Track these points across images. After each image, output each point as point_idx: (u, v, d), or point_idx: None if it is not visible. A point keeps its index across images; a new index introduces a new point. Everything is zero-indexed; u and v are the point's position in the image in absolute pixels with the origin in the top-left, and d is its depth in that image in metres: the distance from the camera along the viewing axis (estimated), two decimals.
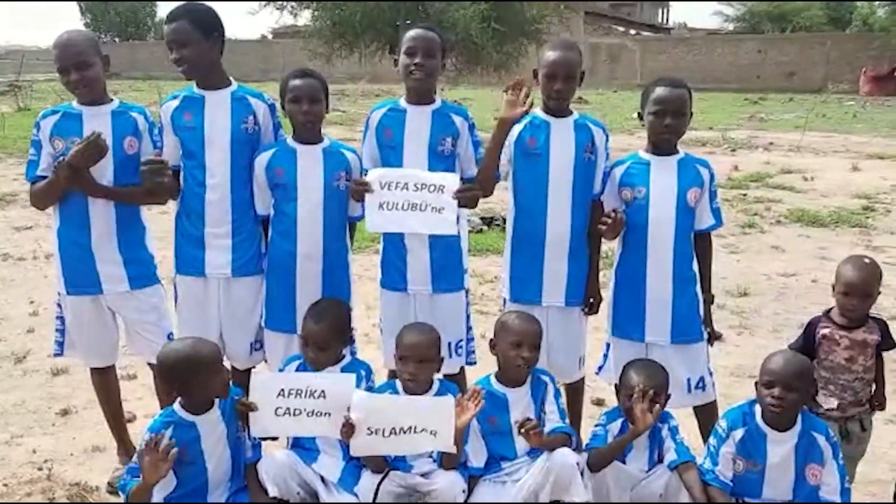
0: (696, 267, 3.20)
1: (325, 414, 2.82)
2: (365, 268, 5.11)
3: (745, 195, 10.20)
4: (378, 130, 3.27)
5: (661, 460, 2.98)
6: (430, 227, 3.10)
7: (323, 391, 2.82)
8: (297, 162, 3.19)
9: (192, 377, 2.69)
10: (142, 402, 3.97)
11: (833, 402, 2.98)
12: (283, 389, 2.82)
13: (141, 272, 3.25)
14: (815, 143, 15.51)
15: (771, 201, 9.80)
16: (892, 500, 3.08)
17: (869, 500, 3.22)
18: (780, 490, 2.83)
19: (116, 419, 3.49)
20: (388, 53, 16.28)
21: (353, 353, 3.28)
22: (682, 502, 2.86)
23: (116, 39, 51.51)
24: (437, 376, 3.12)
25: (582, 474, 2.83)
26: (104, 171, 3.10)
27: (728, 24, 45.90)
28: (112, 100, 3.23)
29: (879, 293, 2.98)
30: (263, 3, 18.93)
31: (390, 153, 3.23)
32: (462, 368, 3.40)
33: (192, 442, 2.74)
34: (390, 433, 2.77)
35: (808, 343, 3.03)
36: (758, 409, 2.84)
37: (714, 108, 22.35)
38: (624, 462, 2.97)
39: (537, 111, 3.22)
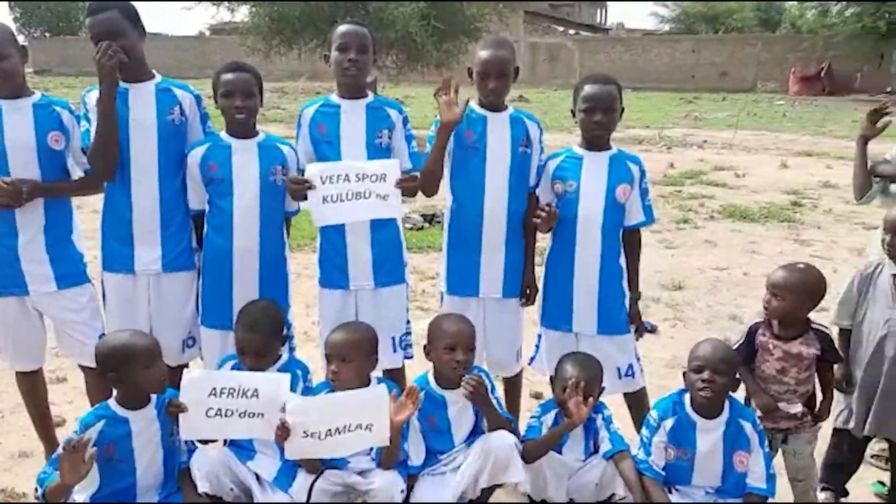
0: (623, 262, 3.25)
1: (259, 415, 2.75)
2: (303, 266, 5.05)
3: (679, 191, 10.45)
4: (311, 127, 3.24)
5: (596, 450, 3.04)
6: (377, 214, 3.11)
7: (256, 390, 2.75)
8: (231, 157, 3.14)
9: (128, 368, 2.64)
10: (72, 405, 3.87)
11: (798, 407, 2.99)
12: (214, 388, 2.74)
13: (69, 271, 3.15)
14: (746, 141, 16.01)
15: (705, 197, 10.06)
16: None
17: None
18: (709, 477, 2.91)
19: (44, 423, 3.39)
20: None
21: (291, 351, 3.25)
22: (616, 492, 2.93)
23: (47, 35, 49.71)
24: (377, 374, 3.11)
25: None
26: (29, 167, 3.00)
27: (664, 24, 47.11)
28: (34, 93, 3.12)
29: (816, 305, 2.94)
30: None
31: (327, 148, 3.20)
32: (402, 364, 3.40)
33: (123, 438, 2.67)
34: (326, 435, 2.73)
35: (749, 348, 3.05)
36: (687, 398, 2.92)
37: (651, 107, 22.85)
38: (560, 452, 3.02)
39: (473, 104, 3.24)
